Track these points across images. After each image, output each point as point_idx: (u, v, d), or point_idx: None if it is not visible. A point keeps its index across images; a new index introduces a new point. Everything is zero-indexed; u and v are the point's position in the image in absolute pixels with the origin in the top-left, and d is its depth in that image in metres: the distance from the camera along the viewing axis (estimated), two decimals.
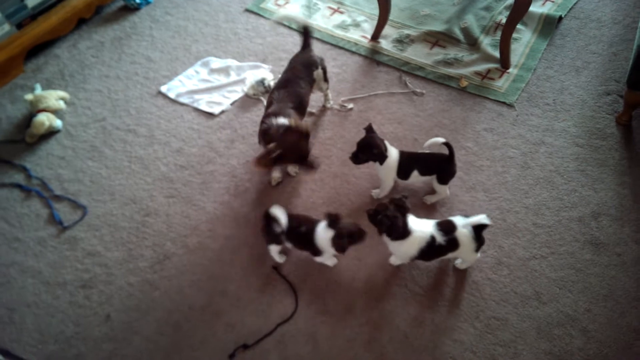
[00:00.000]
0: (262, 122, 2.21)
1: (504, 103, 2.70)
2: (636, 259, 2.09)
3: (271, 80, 2.82)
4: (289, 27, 3.17)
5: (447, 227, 1.90)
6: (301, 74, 2.37)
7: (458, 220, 1.90)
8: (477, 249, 1.93)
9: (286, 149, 2.05)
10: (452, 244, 1.89)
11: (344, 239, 1.90)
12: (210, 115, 2.74)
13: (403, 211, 1.89)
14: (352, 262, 2.13)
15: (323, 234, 1.94)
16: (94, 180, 2.49)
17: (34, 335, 2.01)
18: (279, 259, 2.14)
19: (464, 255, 1.97)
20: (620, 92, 2.69)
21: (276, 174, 2.41)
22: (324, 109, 2.73)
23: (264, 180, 2.44)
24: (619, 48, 2.93)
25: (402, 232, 1.88)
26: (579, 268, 2.08)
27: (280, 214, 1.98)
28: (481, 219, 1.87)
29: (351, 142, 2.58)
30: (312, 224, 2.01)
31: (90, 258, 2.22)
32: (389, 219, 1.85)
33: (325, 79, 2.56)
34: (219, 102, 2.79)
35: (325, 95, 2.69)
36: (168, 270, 2.15)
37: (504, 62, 2.85)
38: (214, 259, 2.18)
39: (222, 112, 2.75)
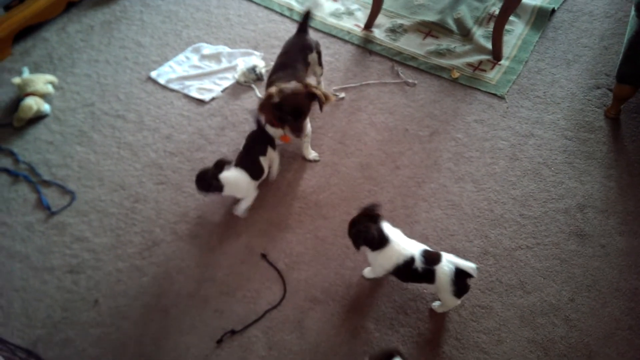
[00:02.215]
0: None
1: (494, 95, 2.71)
2: (620, 251, 2.13)
3: (263, 67, 2.80)
4: (282, 14, 3.16)
5: (430, 258, 1.81)
6: (297, 57, 2.37)
7: (446, 256, 1.80)
8: (457, 295, 1.81)
9: (286, 98, 2.08)
10: (429, 275, 1.80)
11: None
12: (200, 102, 2.72)
13: (375, 219, 1.85)
14: (340, 250, 2.15)
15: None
16: (83, 166, 2.47)
17: (22, 320, 2.01)
18: None
19: (441, 295, 1.86)
20: (610, 86, 2.71)
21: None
22: None
23: None
24: (610, 42, 2.95)
25: (380, 241, 1.83)
26: (563, 259, 2.11)
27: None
28: (466, 266, 1.76)
29: (342, 131, 2.58)
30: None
31: (78, 243, 2.21)
32: (364, 231, 1.81)
33: (320, 64, 2.55)
34: (210, 88, 2.77)
35: (319, 83, 2.68)
36: (157, 257, 2.15)
37: (496, 54, 2.85)
38: (202, 246, 2.18)
39: (213, 99, 2.73)
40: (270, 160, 2.29)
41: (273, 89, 2.11)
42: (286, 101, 2.09)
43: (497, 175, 2.39)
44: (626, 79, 2.44)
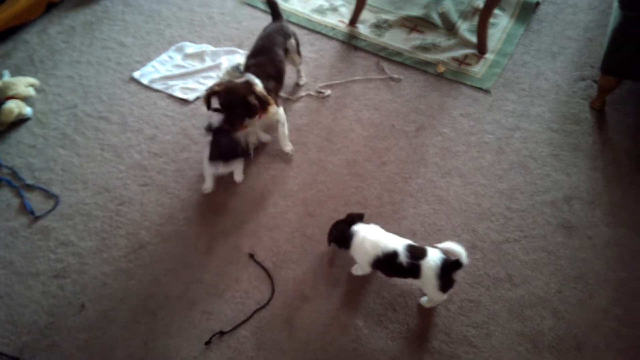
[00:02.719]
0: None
1: (480, 89, 2.71)
2: (606, 242, 2.14)
3: None
4: (266, 12, 3.13)
5: (415, 252, 1.82)
6: (276, 41, 2.38)
7: (431, 252, 1.81)
8: (443, 289, 1.81)
9: (225, 93, 2.14)
10: (414, 270, 1.80)
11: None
12: (184, 101, 2.70)
13: (349, 224, 1.97)
14: (328, 248, 2.14)
15: None
16: (66, 169, 2.44)
17: (7, 327, 1.98)
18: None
19: (427, 290, 1.87)
20: (594, 78, 2.72)
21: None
22: (297, 87, 2.73)
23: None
24: (594, 33, 2.96)
25: (342, 239, 1.96)
26: (550, 251, 2.11)
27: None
28: (456, 251, 1.75)
29: (328, 128, 2.57)
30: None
31: (63, 248, 2.18)
32: (336, 230, 1.99)
33: (298, 52, 2.56)
34: (194, 88, 2.74)
35: (298, 71, 2.70)
36: (143, 259, 2.13)
37: (481, 48, 2.85)
38: (189, 247, 2.16)
39: (197, 98, 2.71)
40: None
41: (218, 85, 2.17)
42: (223, 96, 2.14)
43: (484, 169, 2.39)
44: (611, 71, 2.45)
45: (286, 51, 2.44)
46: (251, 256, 2.13)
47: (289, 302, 2.00)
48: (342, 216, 2.07)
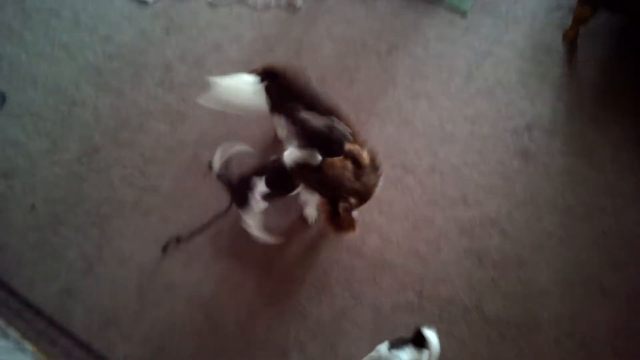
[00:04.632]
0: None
1: (457, 11, 2.62)
2: (560, 170, 2.19)
3: None
4: None
5: None
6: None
7: None
8: None
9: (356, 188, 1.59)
10: None
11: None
12: (143, 3, 2.50)
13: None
14: None
15: None
16: (14, 66, 2.28)
17: None
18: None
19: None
20: (571, 7, 2.65)
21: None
22: None
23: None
24: None
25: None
26: (506, 176, 2.16)
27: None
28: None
29: (297, 41, 2.46)
30: None
31: (12, 148, 2.08)
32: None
33: None
34: None
35: None
36: (97, 164, 2.07)
37: None
38: (146, 154, 2.10)
39: (156, 1, 2.51)
40: None
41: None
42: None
43: (452, 93, 2.36)
44: (587, 0, 2.39)
45: None
46: (211, 167, 2.08)
47: None
48: None
